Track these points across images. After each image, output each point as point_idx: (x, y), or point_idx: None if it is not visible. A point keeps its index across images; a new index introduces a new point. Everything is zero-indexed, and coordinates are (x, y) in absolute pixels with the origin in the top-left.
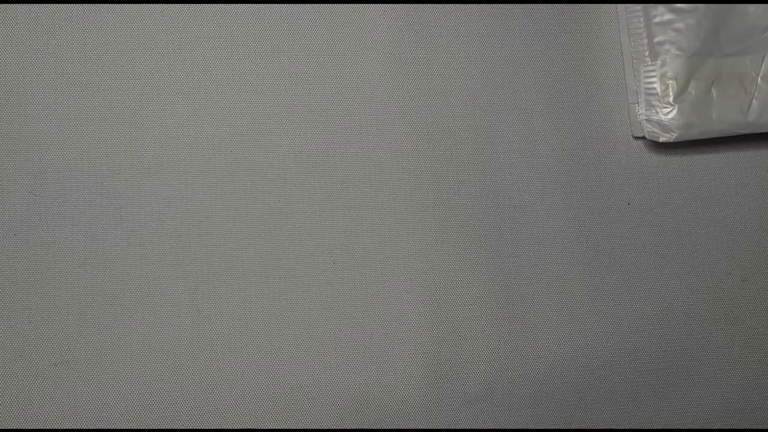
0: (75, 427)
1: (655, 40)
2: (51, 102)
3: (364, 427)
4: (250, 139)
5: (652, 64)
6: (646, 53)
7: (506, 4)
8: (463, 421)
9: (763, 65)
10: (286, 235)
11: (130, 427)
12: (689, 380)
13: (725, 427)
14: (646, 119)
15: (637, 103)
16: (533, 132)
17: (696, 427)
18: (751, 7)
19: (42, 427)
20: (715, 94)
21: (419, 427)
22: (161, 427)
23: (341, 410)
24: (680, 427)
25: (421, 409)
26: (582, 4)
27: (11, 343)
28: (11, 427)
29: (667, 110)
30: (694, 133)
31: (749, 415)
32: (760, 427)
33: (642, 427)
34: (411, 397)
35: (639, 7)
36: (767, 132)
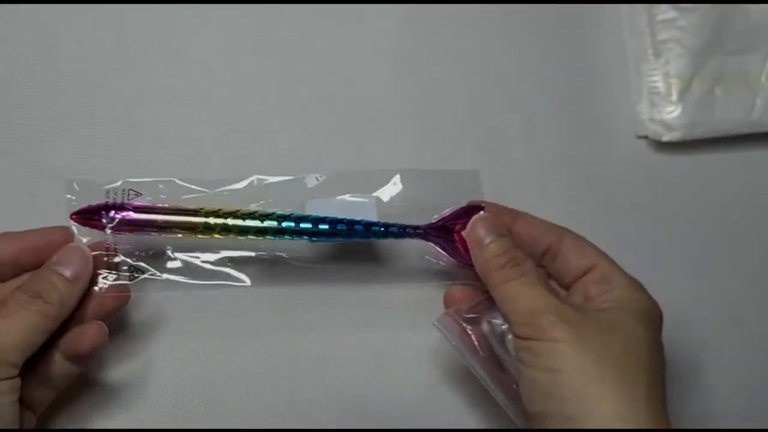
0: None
1: (659, 38)
2: (50, 102)
3: (365, 428)
4: (249, 138)
5: (655, 62)
6: (650, 51)
7: (507, 4)
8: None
9: (767, 63)
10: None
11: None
12: (690, 381)
13: (726, 427)
14: (649, 118)
15: (641, 101)
16: (535, 131)
17: (697, 427)
18: (755, 5)
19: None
20: (718, 92)
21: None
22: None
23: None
24: (680, 426)
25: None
26: (584, 4)
27: None
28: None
29: (671, 109)
30: (697, 132)
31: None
32: (760, 428)
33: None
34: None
35: (642, 5)
36: None
